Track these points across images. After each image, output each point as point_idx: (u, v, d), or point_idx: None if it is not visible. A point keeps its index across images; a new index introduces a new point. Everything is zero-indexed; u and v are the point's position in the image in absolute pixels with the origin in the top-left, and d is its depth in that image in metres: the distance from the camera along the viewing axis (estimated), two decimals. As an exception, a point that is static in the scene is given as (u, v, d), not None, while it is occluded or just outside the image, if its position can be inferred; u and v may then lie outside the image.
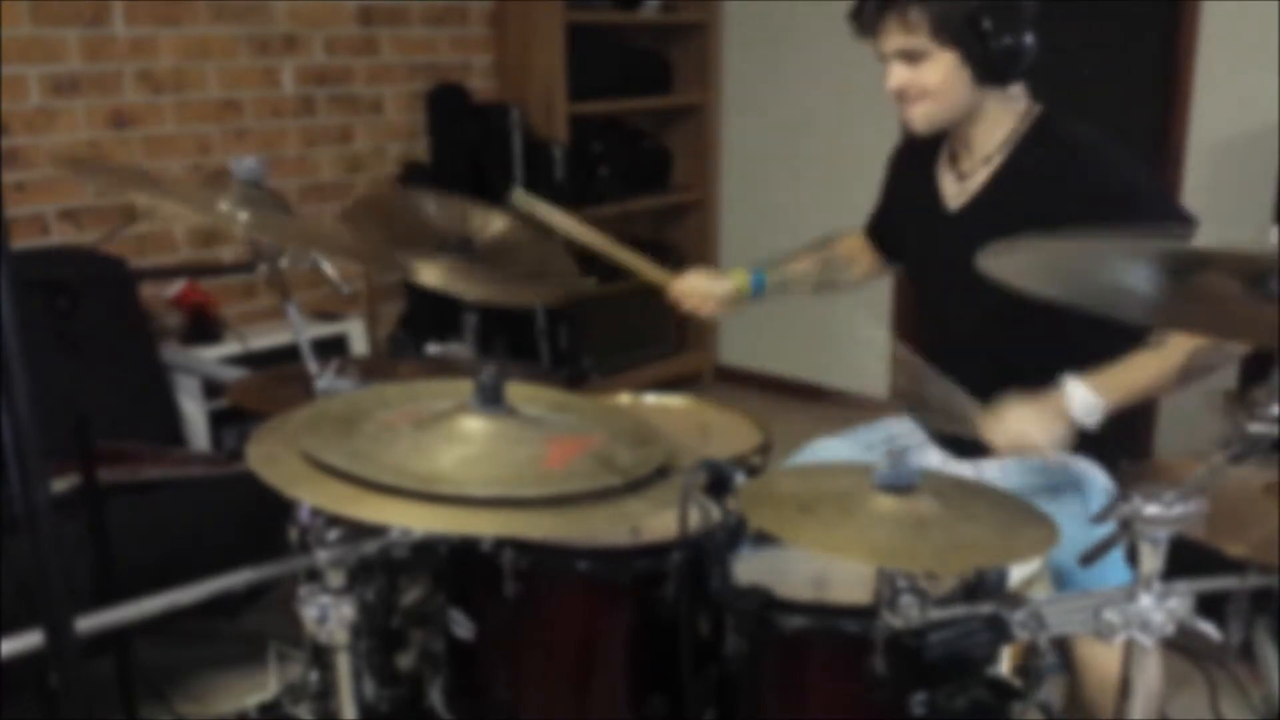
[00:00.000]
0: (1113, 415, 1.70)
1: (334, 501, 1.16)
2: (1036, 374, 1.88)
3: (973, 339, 1.90)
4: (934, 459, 1.94)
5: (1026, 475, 1.81)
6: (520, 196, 2.12)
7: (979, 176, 1.87)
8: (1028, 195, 1.78)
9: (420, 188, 3.92)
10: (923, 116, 1.81)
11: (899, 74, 1.79)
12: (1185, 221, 1.74)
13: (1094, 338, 1.91)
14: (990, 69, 1.75)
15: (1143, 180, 1.81)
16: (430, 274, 1.95)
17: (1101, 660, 1.70)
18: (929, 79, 1.76)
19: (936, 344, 2.00)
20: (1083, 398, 1.66)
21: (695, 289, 2.17)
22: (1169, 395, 1.70)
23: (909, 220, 2.03)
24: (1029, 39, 1.75)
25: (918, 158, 2.03)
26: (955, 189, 1.91)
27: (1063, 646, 1.74)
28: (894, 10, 1.75)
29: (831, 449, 1.99)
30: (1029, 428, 1.66)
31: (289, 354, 1.73)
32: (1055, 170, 1.77)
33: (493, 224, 2.20)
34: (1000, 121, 1.83)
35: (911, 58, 1.76)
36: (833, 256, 2.20)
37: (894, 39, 1.77)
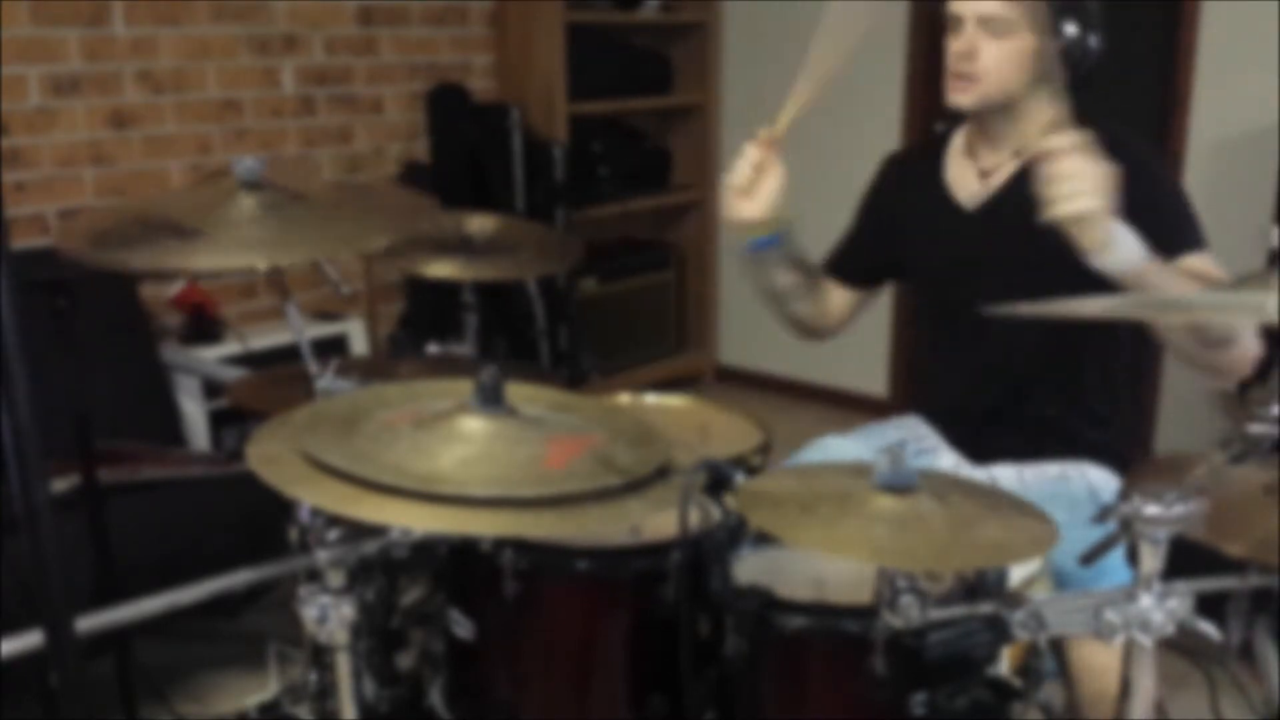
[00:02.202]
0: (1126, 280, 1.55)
1: (334, 501, 1.16)
2: (1066, 373, 1.87)
3: (998, 341, 1.84)
4: (947, 462, 1.92)
5: (1041, 489, 1.79)
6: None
7: (1003, 172, 1.84)
8: None
9: (421, 188, 3.94)
10: (978, 94, 1.76)
11: (973, 40, 1.73)
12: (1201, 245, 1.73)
13: (1127, 335, 1.89)
14: (1057, 65, 1.73)
15: (1183, 195, 1.79)
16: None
17: (1098, 666, 1.69)
18: (998, 56, 1.72)
19: (954, 351, 1.96)
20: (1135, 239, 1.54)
21: (751, 184, 1.84)
22: (1179, 351, 1.63)
23: (914, 229, 1.97)
24: (1098, 44, 1.74)
25: (916, 165, 2.00)
26: (975, 186, 1.87)
27: (1058, 652, 1.73)
28: None
29: (841, 448, 1.95)
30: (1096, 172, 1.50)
31: (289, 354, 1.73)
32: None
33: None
34: (1035, 120, 1.79)
35: (994, 29, 1.72)
36: (820, 287, 2.04)
37: (987, 3, 1.72)
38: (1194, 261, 1.68)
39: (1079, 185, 1.48)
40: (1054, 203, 1.50)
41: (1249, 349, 1.64)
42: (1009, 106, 1.79)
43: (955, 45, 1.76)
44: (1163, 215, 1.69)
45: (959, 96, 1.78)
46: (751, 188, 1.83)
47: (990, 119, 1.83)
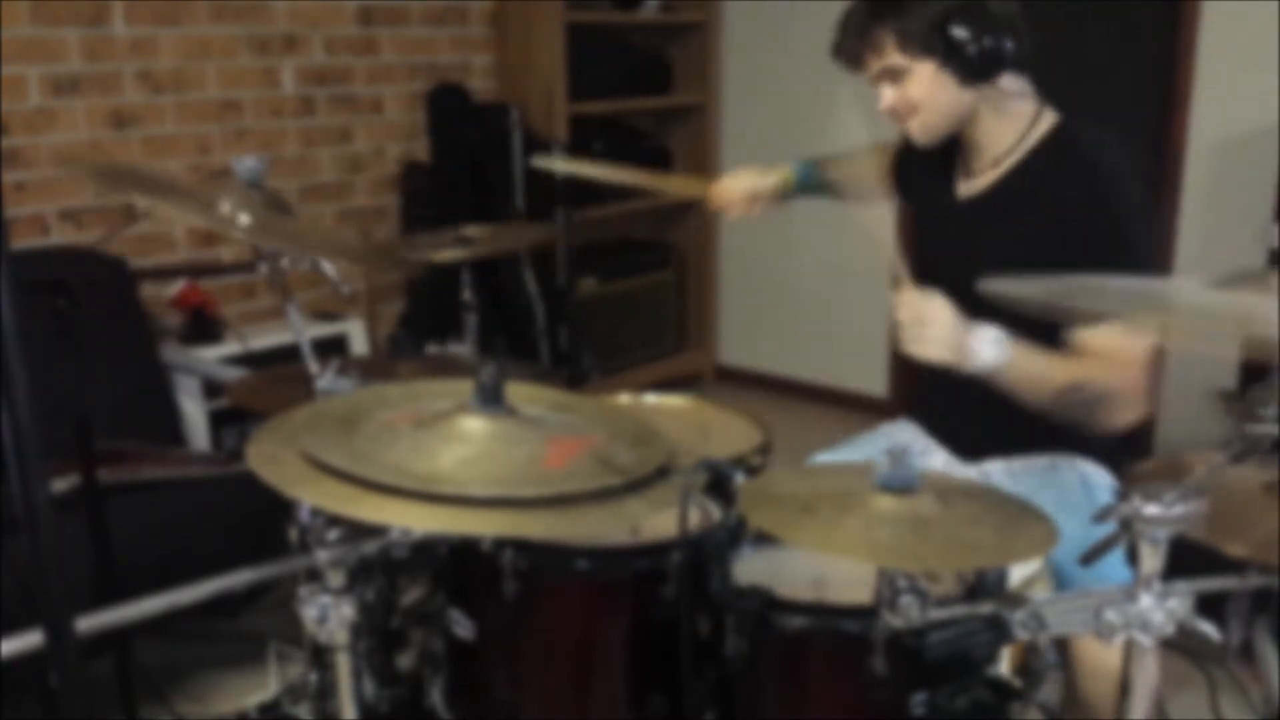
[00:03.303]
0: (994, 383, 1.64)
1: (334, 501, 1.16)
2: None
3: None
4: (939, 462, 1.93)
5: (1031, 479, 1.81)
6: (552, 161, 2.16)
7: (987, 176, 1.86)
8: (1036, 203, 1.75)
9: (420, 188, 3.94)
10: (920, 128, 1.82)
11: (887, 94, 1.80)
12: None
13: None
14: (970, 69, 1.74)
15: (1144, 239, 1.77)
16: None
17: (1100, 657, 1.69)
18: (914, 92, 1.76)
19: None
20: (993, 344, 1.60)
21: (737, 188, 2.21)
22: (1036, 405, 1.65)
23: (920, 213, 2.02)
24: (1004, 31, 1.73)
25: (930, 153, 2.02)
26: (964, 187, 1.91)
27: (1061, 643, 1.74)
28: (864, 39, 1.77)
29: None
30: (937, 319, 1.60)
31: (289, 354, 1.73)
32: (1073, 190, 1.72)
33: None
34: (1004, 122, 1.81)
35: (893, 76, 1.77)
36: (853, 176, 2.16)
37: (872, 63, 1.79)
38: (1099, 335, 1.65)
39: (922, 332, 1.59)
40: (902, 340, 1.61)
41: (1127, 412, 1.67)
42: (968, 120, 1.82)
43: (879, 102, 1.83)
44: (1089, 243, 1.67)
45: (915, 138, 1.85)
46: (737, 200, 2.17)
47: (960, 134, 1.86)
